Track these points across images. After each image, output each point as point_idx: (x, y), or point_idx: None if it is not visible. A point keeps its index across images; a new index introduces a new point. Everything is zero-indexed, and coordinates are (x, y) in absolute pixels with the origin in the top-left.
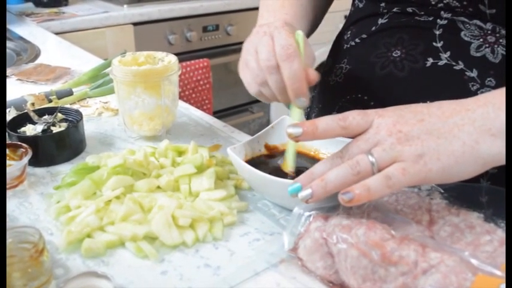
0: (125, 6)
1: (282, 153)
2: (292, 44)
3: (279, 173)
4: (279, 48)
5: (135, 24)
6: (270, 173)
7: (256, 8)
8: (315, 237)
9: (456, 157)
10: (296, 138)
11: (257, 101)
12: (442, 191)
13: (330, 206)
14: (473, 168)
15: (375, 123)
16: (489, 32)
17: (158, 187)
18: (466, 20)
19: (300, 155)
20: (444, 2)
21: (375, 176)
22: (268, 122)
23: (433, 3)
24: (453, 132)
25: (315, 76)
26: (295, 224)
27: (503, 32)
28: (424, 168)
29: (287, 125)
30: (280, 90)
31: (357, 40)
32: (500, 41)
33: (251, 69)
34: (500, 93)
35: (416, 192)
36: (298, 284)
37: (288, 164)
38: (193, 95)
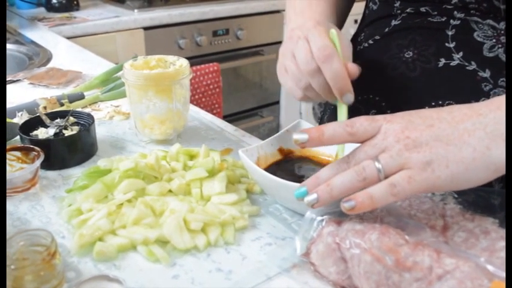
0: (136, 10)
1: (297, 158)
2: (329, 44)
3: (292, 176)
4: (316, 50)
5: (145, 28)
6: (283, 177)
7: (266, 13)
8: (327, 242)
9: (466, 164)
10: (302, 145)
11: (267, 105)
12: (456, 196)
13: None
14: (485, 174)
15: (382, 129)
16: (502, 32)
17: (170, 191)
18: (479, 20)
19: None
20: None
21: (379, 183)
22: (278, 126)
23: None
24: (463, 139)
25: (355, 69)
26: (308, 229)
27: None
28: (432, 176)
29: (293, 132)
30: (325, 91)
31: (370, 42)
32: None
33: (292, 74)
34: None
35: (430, 197)
36: None
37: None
38: (203, 99)
